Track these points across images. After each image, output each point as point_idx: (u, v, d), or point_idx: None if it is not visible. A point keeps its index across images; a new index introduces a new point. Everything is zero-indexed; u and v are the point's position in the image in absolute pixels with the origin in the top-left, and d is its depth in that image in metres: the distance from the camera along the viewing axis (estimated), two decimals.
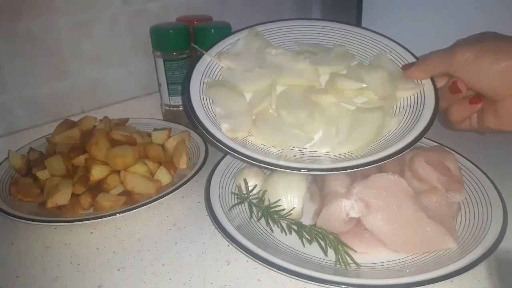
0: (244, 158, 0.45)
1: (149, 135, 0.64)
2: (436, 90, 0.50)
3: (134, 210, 0.50)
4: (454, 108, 0.49)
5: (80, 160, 0.56)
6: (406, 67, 0.53)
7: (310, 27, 0.61)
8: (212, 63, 0.56)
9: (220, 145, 0.46)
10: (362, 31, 0.60)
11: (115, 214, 0.49)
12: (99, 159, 0.55)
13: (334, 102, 0.52)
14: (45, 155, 0.60)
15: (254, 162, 0.45)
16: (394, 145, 0.45)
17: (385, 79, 0.52)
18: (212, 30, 0.68)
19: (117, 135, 0.59)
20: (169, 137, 0.63)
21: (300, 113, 0.50)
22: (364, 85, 0.52)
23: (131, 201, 0.53)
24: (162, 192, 0.53)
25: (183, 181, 0.54)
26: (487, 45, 0.45)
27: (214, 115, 0.50)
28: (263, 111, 0.52)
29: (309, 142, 0.49)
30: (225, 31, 0.69)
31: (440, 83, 0.51)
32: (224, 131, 0.48)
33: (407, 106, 0.51)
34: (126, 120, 0.69)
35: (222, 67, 0.56)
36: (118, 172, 0.54)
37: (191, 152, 0.63)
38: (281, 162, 0.44)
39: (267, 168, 0.46)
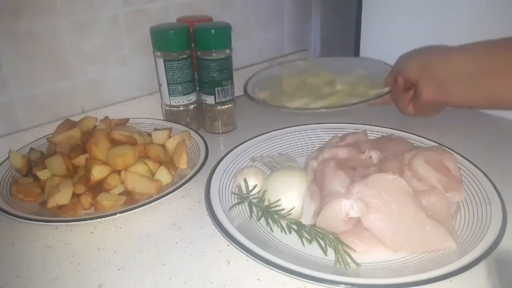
0: None
1: (150, 135, 0.65)
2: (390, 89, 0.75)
3: (134, 210, 0.50)
4: (400, 98, 0.72)
5: (80, 160, 0.56)
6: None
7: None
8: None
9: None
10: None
11: (115, 213, 0.49)
12: (99, 159, 0.55)
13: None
14: (45, 155, 0.61)
15: None
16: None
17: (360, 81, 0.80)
18: (212, 31, 0.68)
19: (117, 135, 0.59)
20: (169, 137, 0.64)
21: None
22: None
23: (131, 201, 0.53)
24: (162, 192, 0.53)
25: (183, 181, 0.54)
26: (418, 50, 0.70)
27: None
28: None
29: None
30: (225, 31, 0.69)
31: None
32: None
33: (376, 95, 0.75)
34: (127, 120, 0.69)
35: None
36: (119, 172, 0.55)
37: (191, 152, 0.63)
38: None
39: None
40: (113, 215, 0.49)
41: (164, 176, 0.57)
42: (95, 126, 0.64)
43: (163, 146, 0.62)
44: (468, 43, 0.62)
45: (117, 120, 0.67)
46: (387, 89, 0.75)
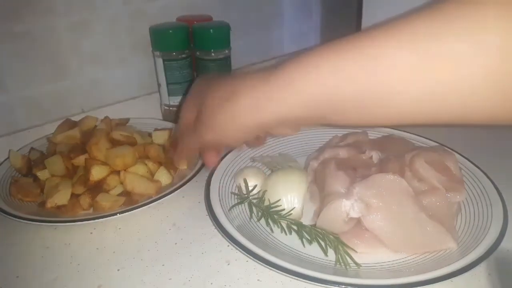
0: None
1: (150, 135, 0.64)
2: None
3: (134, 211, 0.50)
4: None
5: (80, 160, 0.56)
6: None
7: None
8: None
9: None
10: None
11: (114, 214, 0.49)
12: (99, 159, 0.55)
13: None
14: (46, 155, 0.60)
15: None
16: None
17: None
18: (211, 31, 0.68)
19: (117, 135, 0.59)
20: (170, 137, 0.63)
21: None
22: None
23: (130, 201, 0.53)
24: (162, 192, 0.53)
25: (183, 181, 0.54)
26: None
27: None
28: None
29: None
30: (223, 31, 0.69)
31: None
32: None
33: None
34: (127, 120, 0.68)
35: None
36: (118, 172, 0.54)
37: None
38: None
39: None
40: (112, 216, 0.49)
41: (163, 176, 0.56)
42: (96, 126, 0.63)
43: (163, 146, 0.62)
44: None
45: (117, 120, 0.67)
46: None
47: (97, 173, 0.53)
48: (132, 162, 0.55)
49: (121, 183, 0.54)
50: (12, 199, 0.54)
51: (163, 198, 0.52)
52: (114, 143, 0.58)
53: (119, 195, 0.54)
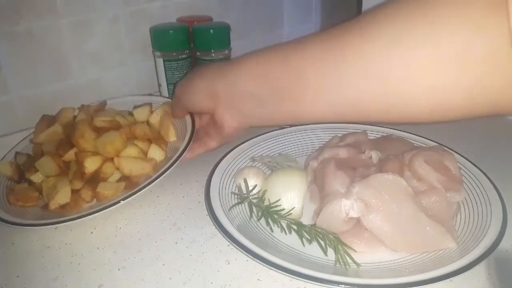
0: None
1: (131, 113, 0.62)
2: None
3: (135, 195, 0.49)
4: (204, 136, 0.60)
5: (70, 155, 0.55)
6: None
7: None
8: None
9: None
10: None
11: (118, 202, 0.49)
12: (89, 151, 0.54)
13: None
14: (33, 156, 0.58)
15: None
16: None
17: None
18: (211, 31, 0.68)
19: (100, 122, 0.57)
20: (151, 112, 0.62)
21: None
22: None
23: (131, 185, 0.52)
24: (160, 169, 0.52)
25: (177, 154, 0.53)
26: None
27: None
28: None
29: None
30: (224, 31, 0.69)
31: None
32: None
33: None
34: (105, 103, 0.66)
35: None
36: (111, 159, 0.53)
37: (177, 123, 0.61)
38: None
39: None
40: (116, 204, 0.48)
41: (156, 153, 0.56)
42: (75, 117, 0.61)
43: (147, 123, 0.60)
44: (253, 53, 0.50)
45: (95, 106, 0.64)
46: None
47: (90, 164, 0.52)
48: (122, 146, 0.54)
49: (117, 169, 0.53)
50: (13, 207, 0.52)
51: (164, 197, 0.52)
52: (99, 131, 0.56)
53: (118, 181, 0.53)
